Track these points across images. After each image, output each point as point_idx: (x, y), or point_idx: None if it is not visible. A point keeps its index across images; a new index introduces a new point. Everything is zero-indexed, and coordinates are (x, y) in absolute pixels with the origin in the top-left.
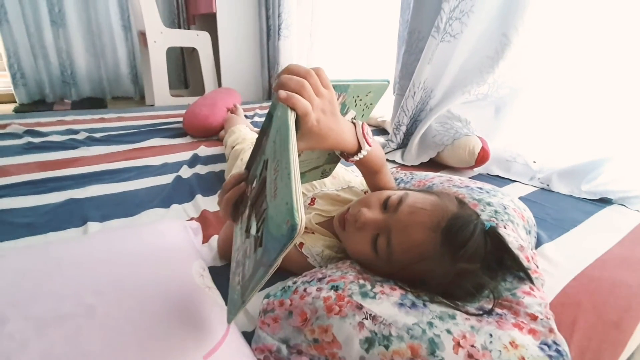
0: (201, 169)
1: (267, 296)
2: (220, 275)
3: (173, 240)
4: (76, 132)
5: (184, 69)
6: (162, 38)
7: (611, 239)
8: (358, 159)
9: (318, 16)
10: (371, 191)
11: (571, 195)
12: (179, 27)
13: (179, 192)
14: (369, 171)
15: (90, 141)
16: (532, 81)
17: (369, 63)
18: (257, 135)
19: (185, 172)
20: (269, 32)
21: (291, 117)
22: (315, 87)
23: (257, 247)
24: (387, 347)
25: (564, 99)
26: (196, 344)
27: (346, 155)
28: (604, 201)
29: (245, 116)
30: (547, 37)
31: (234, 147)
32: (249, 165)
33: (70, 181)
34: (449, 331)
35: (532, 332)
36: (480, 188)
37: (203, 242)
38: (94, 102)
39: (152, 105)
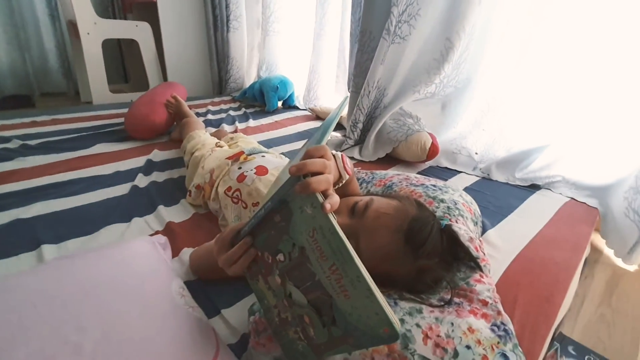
0: (158, 176)
1: (252, 312)
2: (197, 290)
3: (146, 262)
4: (7, 139)
5: (123, 62)
6: (96, 29)
7: (540, 222)
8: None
9: (269, 8)
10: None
11: (507, 183)
12: (114, 17)
13: (138, 204)
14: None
15: (26, 150)
16: (473, 80)
17: (323, 56)
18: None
19: (142, 181)
20: (215, 23)
21: (339, 228)
22: (329, 172)
23: (330, 324)
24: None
25: (501, 95)
26: None
27: None
28: (534, 186)
29: (197, 114)
30: (484, 41)
31: (193, 153)
32: (253, 232)
33: (12, 199)
34: (418, 325)
35: (484, 316)
36: (434, 185)
37: (172, 256)
38: (19, 100)
39: (89, 103)
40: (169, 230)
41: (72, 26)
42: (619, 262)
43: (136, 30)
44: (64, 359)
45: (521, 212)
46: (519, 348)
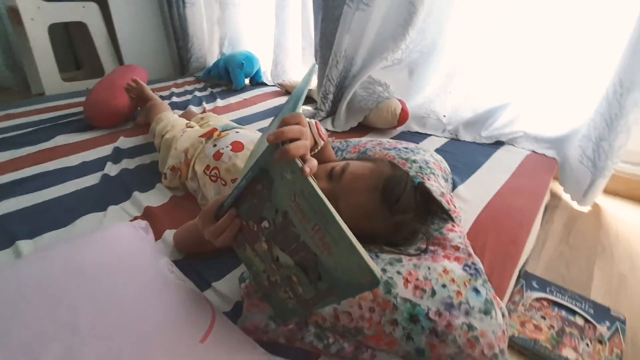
0: (129, 163)
1: (243, 280)
2: (186, 267)
3: (130, 243)
4: None
5: (73, 48)
6: (41, 14)
7: (505, 175)
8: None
9: None
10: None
11: (474, 142)
12: None
13: (112, 192)
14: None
15: None
16: (438, 45)
17: (287, 28)
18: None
19: (112, 169)
20: None
21: (319, 190)
22: (306, 138)
23: (317, 280)
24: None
25: (466, 58)
26: (190, 332)
27: None
28: (498, 143)
29: (161, 97)
30: (447, 5)
31: (164, 135)
32: (236, 203)
33: None
34: (398, 272)
35: (457, 259)
36: (406, 148)
37: (156, 239)
38: None
39: (41, 95)
40: (149, 215)
41: (13, 13)
42: (575, 205)
43: (83, 12)
44: (63, 339)
45: (487, 168)
46: (489, 283)
